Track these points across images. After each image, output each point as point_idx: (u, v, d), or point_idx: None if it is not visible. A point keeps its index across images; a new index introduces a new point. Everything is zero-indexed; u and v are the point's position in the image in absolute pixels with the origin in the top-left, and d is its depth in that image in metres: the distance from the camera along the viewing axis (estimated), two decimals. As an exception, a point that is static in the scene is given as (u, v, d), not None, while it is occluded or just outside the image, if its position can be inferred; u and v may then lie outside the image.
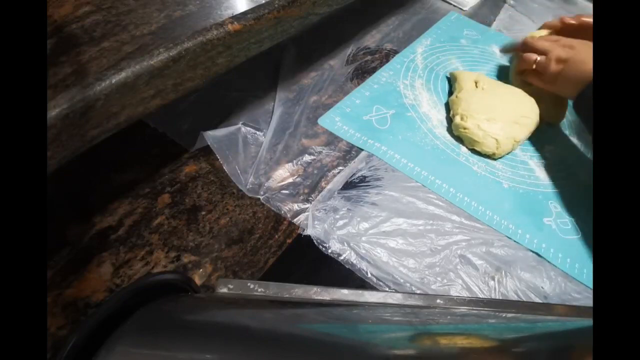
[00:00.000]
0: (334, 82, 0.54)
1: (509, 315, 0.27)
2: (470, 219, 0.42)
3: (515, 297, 0.37)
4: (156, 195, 0.41)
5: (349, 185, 0.43)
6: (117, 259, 0.36)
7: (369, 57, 0.59)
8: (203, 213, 0.40)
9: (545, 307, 0.29)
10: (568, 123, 0.56)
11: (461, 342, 0.21)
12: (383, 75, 0.56)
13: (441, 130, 0.51)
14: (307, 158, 0.45)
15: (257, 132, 0.47)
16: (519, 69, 0.55)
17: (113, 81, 0.26)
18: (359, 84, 0.54)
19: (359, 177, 0.44)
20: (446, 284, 0.37)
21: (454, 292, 0.37)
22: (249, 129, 0.47)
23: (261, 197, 0.41)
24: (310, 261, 0.44)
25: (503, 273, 0.38)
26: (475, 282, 0.38)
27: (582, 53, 0.47)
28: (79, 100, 0.25)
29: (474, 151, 0.49)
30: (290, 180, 0.43)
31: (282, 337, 0.20)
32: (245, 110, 0.49)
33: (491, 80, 0.55)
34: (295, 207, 0.41)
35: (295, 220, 0.40)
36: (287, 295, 0.27)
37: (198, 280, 0.36)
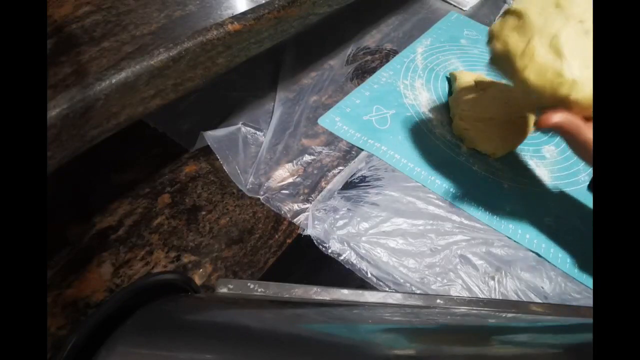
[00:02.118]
0: (334, 82, 0.54)
1: (509, 315, 0.27)
2: (470, 219, 0.42)
3: (515, 297, 0.37)
4: (156, 195, 0.41)
5: (349, 185, 0.43)
6: (117, 259, 0.36)
7: (369, 57, 0.59)
8: (203, 213, 0.40)
9: (545, 307, 0.29)
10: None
11: (461, 342, 0.21)
12: (383, 75, 0.56)
13: (441, 130, 0.51)
14: (307, 158, 0.45)
15: (257, 132, 0.47)
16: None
17: (113, 81, 0.26)
18: (359, 84, 0.54)
19: (359, 177, 0.44)
20: (446, 284, 0.37)
21: (454, 292, 0.37)
22: (249, 129, 0.47)
23: (261, 197, 0.41)
24: (310, 261, 0.44)
25: (503, 273, 0.38)
26: (475, 282, 0.38)
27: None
28: (79, 100, 0.25)
29: (474, 151, 0.49)
30: (290, 180, 0.43)
31: (282, 337, 0.20)
32: (245, 110, 0.49)
33: (491, 80, 0.55)
34: (295, 207, 0.41)
35: (295, 220, 0.40)
36: (287, 295, 0.27)
37: (198, 280, 0.36)
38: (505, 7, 0.77)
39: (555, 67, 0.33)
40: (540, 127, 0.36)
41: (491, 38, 0.39)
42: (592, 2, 0.35)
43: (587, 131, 0.34)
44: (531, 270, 0.39)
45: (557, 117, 0.35)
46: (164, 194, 0.41)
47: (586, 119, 0.35)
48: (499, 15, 0.39)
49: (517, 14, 0.37)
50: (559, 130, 0.35)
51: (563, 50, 0.33)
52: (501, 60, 0.38)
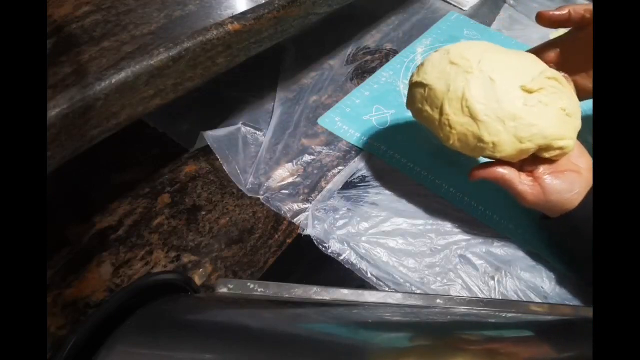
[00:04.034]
0: (334, 82, 0.54)
1: (509, 315, 0.27)
2: (470, 219, 0.42)
3: (515, 297, 0.37)
4: (156, 195, 0.41)
5: (349, 185, 0.43)
6: (117, 259, 0.36)
7: (369, 57, 0.59)
8: (203, 213, 0.40)
9: (545, 307, 0.29)
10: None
11: (460, 342, 0.21)
12: (383, 75, 0.56)
13: (441, 130, 0.51)
14: (307, 158, 0.45)
15: (257, 132, 0.47)
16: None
17: (113, 81, 0.26)
18: (359, 84, 0.54)
19: (359, 177, 0.44)
20: (446, 284, 0.37)
21: (454, 292, 0.37)
22: (249, 129, 0.47)
23: (261, 197, 0.41)
24: (310, 261, 0.44)
25: (503, 273, 0.38)
26: (475, 282, 0.38)
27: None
28: (79, 100, 0.25)
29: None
30: (290, 180, 0.43)
31: (282, 337, 0.20)
32: (245, 110, 0.49)
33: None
34: (295, 207, 0.41)
35: (295, 220, 0.40)
36: (287, 295, 0.27)
37: (198, 280, 0.36)
38: (505, 6, 0.77)
39: (474, 131, 0.33)
40: (472, 180, 0.37)
41: (411, 112, 0.39)
42: (484, 51, 0.34)
43: (519, 183, 0.35)
44: (531, 270, 0.39)
45: (487, 174, 0.36)
46: (164, 194, 0.41)
47: (521, 164, 0.36)
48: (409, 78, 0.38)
49: (420, 86, 0.36)
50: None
51: (476, 110, 0.32)
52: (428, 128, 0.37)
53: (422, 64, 0.37)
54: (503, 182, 0.35)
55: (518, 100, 0.32)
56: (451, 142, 0.34)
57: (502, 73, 0.32)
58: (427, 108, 0.35)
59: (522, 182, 0.35)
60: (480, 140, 0.33)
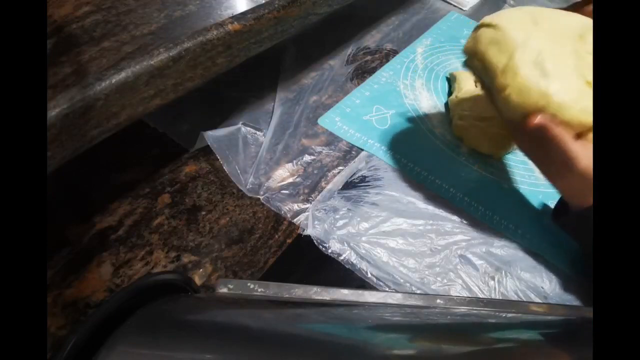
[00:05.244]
0: (334, 82, 0.54)
1: (509, 315, 0.27)
2: (470, 219, 0.42)
3: (515, 297, 0.37)
4: (156, 195, 0.41)
5: (349, 185, 0.43)
6: (117, 259, 0.36)
7: (369, 57, 0.59)
8: (203, 213, 0.40)
9: (545, 307, 0.29)
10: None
11: (461, 342, 0.21)
12: (383, 75, 0.56)
13: (441, 130, 0.51)
14: (307, 158, 0.45)
15: (257, 132, 0.47)
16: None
17: (113, 81, 0.26)
18: (359, 84, 0.54)
19: (359, 177, 0.44)
20: (446, 284, 0.37)
21: (454, 292, 0.37)
22: (249, 129, 0.47)
23: (261, 197, 0.41)
24: (310, 261, 0.44)
25: (503, 273, 0.38)
26: (475, 282, 0.38)
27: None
28: (79, 100, 0.25)
29: (474, 151, 0.49)
30: (290, 180, 0.43)
31: (282, 337, 0.20)
32: (245, 110, 0.49)
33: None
34: (295, 207, 0.41)
35: (295, 220, 0.40)
36: (287, 295, 0.27)
37: (198, 280, 0.36)
38: (505, 7, 0.77)
39: (540, 87, 0.30)
40: (525, 128, 0.32)
41: (469, 57, 0.36)
42: (588, 30, 0.32)
43: (572, 142, 0.31)
44: (531, 270, 0.39)
45: (545, 119, 0.31)
46: (164, 194, 0.41)
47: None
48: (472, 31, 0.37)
49: (493, 27, 0.34)
50: (542, 136, 0.32)
51: (549, 68, 0.29)
52: (481, 75, 0.35)
53: (494, 16, 0.35)
54: (557, 138, 0.31)
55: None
56: (507, 92, 0.31)
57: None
58: (494, 49, 0.32)
59: (575, 142, 0.31)
60: (544, 96, 0.29)
